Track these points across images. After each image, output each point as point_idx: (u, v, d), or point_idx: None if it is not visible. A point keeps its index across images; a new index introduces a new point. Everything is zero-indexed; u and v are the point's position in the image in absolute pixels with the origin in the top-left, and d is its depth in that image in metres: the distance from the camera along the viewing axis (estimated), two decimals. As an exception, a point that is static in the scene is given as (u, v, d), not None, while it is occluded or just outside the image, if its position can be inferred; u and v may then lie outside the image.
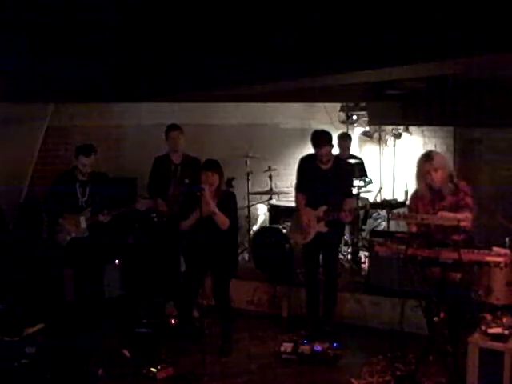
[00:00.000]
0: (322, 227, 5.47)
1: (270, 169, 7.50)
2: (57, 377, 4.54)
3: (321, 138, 5.43)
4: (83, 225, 5.68)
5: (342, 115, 8.48)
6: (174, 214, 5.97)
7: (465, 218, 4.29)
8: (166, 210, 6.04)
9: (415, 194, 4.85)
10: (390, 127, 8.34)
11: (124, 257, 6.68)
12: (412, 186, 5.42)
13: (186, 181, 5.91)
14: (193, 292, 5.33)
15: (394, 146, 8.34)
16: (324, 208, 5.45)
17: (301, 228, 5.60)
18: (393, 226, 6.86)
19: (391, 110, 6.84)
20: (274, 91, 5.41)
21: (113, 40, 2.92)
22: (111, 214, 5.66)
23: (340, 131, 8.07)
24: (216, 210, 5.05)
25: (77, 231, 5.68)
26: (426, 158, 4.61)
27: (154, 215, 6.22)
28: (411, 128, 8.10)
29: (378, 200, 7.72)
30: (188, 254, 5.65)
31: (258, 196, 7.59)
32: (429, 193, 4.66)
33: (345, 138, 7.72)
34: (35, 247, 6.32)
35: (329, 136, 5.49)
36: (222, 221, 5.10)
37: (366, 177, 7.44)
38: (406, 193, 7.39)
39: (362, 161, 7.82)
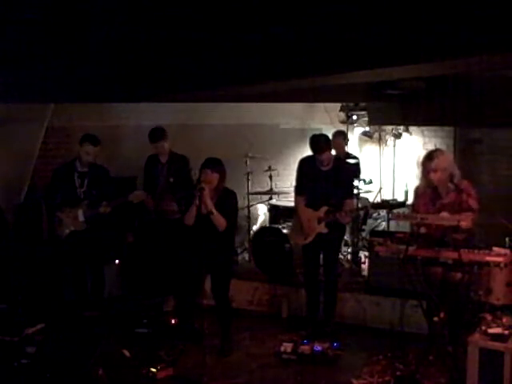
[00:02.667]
0: (322, 228, 5.47)
1: (270, 169, 7.50)
2: (57, 377, 4.54)
3: (320, 144, 5.40)
4: (81, 218, 5.75)
5: (342, 115, 8.47)
6: (161, 212, 6.06)
7: (464, 218, 4.29)
8: (152, 205, 6.12)
9: (416, 193, 4.87)
10: (390, 127, 8.34)
11: (124, 256, 6.69)
12: (412, 186, 5.43)
13: (171, 180, 5.99)
14: (192, 291, 5.32)
15: (394, 146, 8.34)
16: (325, 209, 5.45)
17: (301, 229, 5.60)
18: (393, 226, 6.86)
19: (391, 110, 6.83)
20: (274, 91, 5.40)
21: (113, 40, 2.92)
22: (111, 206, 5.71)
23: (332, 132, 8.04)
24: (214, 211, 5.03)
25: (75, 224, 5.75)
26: (428, 158, 4.64)
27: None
28: (411, 128, 8.10)
29: (378, 200, 7.72)
30: (186, 253, 5.65)
31: (258, 196, 7.59)
32: (430, 191, 4.68)
33: (337, 137, 7.60)
34: (35, 247, 6.33)
35: (328, 141, 5.49)
36: (220, 222, 5.07)
37: (359, 177, 7.40)
38: (406, 193, 7.39)
39: (358, 160, 7.80)
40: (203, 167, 5.15)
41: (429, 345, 4.53)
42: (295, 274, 6.45)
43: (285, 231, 6.57)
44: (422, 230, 4.59)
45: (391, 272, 5.51)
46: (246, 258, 7.25)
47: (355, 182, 6.87)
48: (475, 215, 4.44)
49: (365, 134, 8.74)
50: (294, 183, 5.92)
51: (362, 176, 7.45)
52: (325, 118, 8.62)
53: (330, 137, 7.44)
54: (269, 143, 8.19)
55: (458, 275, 4.38)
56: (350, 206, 5.57)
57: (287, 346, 5.24)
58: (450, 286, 4.47)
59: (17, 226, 6.56)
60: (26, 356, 4.60)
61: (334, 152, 5.83)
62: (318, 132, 6.55)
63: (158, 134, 6.15)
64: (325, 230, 5.47)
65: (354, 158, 7.75)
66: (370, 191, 7.60)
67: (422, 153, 7.96)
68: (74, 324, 5.56)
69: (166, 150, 6.22)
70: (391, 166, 8.37)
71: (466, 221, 4.26)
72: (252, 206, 7.57)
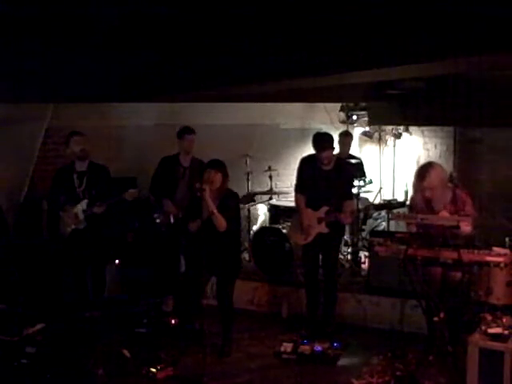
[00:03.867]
0: (322, 228, 5.46)
1: (270, 169, 7.50)
2: (57, 377, 4.54)
3: (324, 142, 5.40)
4: (81, 216, 5.79)
5: (342, 115, 8.47)
6: (181, 216, 6.00)
7: (464, 219, 4.30)
8: (176, 211, 6.05)
9: (411, 205, 4.88)
10: (390, 127, 8.34)
11: (124, 256, 6.69)
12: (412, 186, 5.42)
13: (198, 185, 5.94)
14: (193, 292, 5.32)
15: (394, 146, 8.34)
16: (325, 209, 5.44)
17: (301, 229, 5.59)
18: (393, 226, 6.86)
19: (391, 110, 6.83)
20: (274, 91, 5.40)
21: (113, 40, 2.92)
22: (104, 205, 5.73)
23: (340, 131, 8.06)
24: (215, 211, 5.03)
25: (76, 222, 5.78)
26: (419, 177, 4.59)
27: (157, 215, 6.22)
28: (411, 128, 8.09)
29: (378, 200, 7.72)
30: (189, 254, 5.65)
31: (258, 196, 7.59)
32: (425, 206, 4.67)
33: (346, 136, 7.69)
34: (35, 247, 6.33)
35: (331, 139, 5.49)
36: (220, 222, 5.07)
37: (365, 177, 7.43)
38: (406, 193, 7.39)
39: (361, 161, 7.82)
40: (207, 167, 5.17)
41: (429, 345, 4.53)
42: (295, 274, 6.45)
43: (285, 231, 6.57)
44: (413, 228, 4.59)
45: (391, 272, 5.51)
46: (246, 258, 7.24)
47: (356, 182, 6.87)
48: (474, 220, 4.43)
49: (365, 134, 8.74)
50: (293, 183, 5.91)
51: (365, 176, 7.46)
52: (325, 118, 8.61)
53: (337, 136, 7.49)
54: (269, 143, 8.19)
55: (458, 275, 4.38)
56: (350, 207, 5.56)
57: (287, 346, 5.24)
58: (449, 286, 4.47)
59: (17, 226, 6.57)
60: (26, 356, 4.60)
61: (337, 150, 5.83)
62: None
63: (188, 128, 6.19)
64: (325, 230, 5.47)
65: (357, 159, 7.77)
66: (369, 191, 7.61)
67: (422, 153, 8.00)
68: (74, 324, 5.55)
69: (192, 148, 6.19)
70: (391, 166, 8.37)
71: (465, 221, 4.26)
72: (252, 206, 7.56)
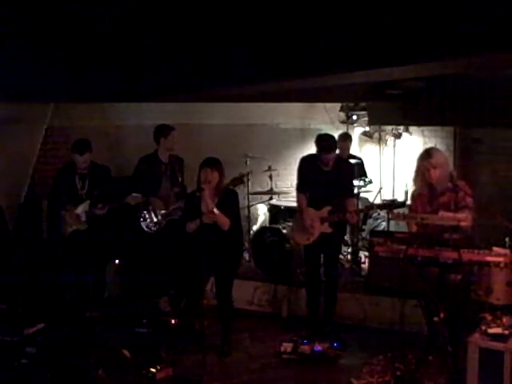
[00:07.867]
0: (326, 228, 5.46)
1: (270, 169, 7.50)
2: (57, 377, 4.54)
3: (329, 144, 5.42)
4: (83, 217, 5.79)
5: (342, 115, 8.47)
6: (167, 212, 6.05)
7: (465, 217, 4.30)
8: (164, 207, 6.12)
9: (414, 194, 4.88)
10: (389, 127, 8.34)
11: (124, 256, 6.69)
12: (412, 186, 5.43)
13: (180, 179, 6.00)
14: (193, 291, 5.32)
15: (394, 146, 8.34)
16: (328, 209, 5.44)
17: (303, 229, 5.59)
18: (393, 226, 6.86)
19: (391, 110, 6.83)
20: (274, 91, 5.40)
21: (113, 39, 2.92)
22: (106, 208, 5.74)
23: (340, 131, 8.06)
24: (215, 210, 5.03)
25: (77, 223, 5.79)
26: (425, 156, 4.64)
27: (143, 215, 6.24)
28: (411, 128, 8.10)
29: (378, 200, 7.72)
30: (189, 252, 5.63)
31: (258, 196, 7.59)
32: (427, 190, 4.68)
33: (345, 139, 7.70)
34: (35, 247, 6.33)
35: (335, 142, 5.54)
36: (223, 221, 5.08)
37: (366, 177, 7.44)
38: (406, 193, 7.39)
39: (361, 161, 7.82)
40: (202, 166, 5.16)
41: (429, 345, 4.53)
42: (295, 274, 6.45)
43: (285, 231, 6.57)
44: (414, 228, 4.60)
45: (391, 272, 5.50)
46: (246, 258, 7.24)
47: (356, 182, 6.88)
48: (472, 214, 4.44)
49: (365, 134, 8.74)
50: (294, 183, 5.92)
51: (366, 176, 7.46)
52: (325, 118, 8.62)
53: (336, 138, 7.51)
54: (269, 143, 8.19)
55: (458, 275, 4.38)
56: (351, 205, 5.57)
57: (287, 346, 5.24)
58: (449, 286, 4.47)
59: (17, 226, 6.56)
60: (26, 356, 4.60)
61: (337, 152, 5.84)
62: (318, 132, 6.55)
63: (169, 126, 6.24)
64: (328, 230, 5.46)
65: (358, 159, 7.77)
66: (369, 191, 7.60)
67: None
68: (74, 324, 5.56)
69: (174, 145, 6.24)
70: (391, 166, 8.37)
71: (465, 221, 4.26)
72: (252, 205, 7.56)
